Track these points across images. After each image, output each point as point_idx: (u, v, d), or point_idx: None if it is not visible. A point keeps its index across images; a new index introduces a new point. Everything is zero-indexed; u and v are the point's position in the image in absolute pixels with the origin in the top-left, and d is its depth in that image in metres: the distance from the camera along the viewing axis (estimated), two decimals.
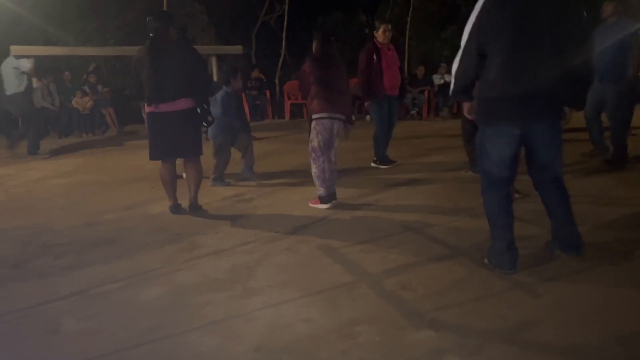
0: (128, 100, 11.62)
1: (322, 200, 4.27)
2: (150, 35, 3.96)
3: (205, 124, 4.14)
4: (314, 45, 4.33)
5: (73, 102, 10.13)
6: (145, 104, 4.02)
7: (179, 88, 3.93)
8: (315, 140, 4.23)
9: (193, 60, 4.02)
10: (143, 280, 2.93)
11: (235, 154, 5.48)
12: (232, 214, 4.22)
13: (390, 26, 5.96)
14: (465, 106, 3.00)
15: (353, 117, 4.72)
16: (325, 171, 4.25)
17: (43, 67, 10.34)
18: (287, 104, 11.93)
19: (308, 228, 3.76)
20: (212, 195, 4.71)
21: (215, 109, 5.05)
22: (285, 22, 13.75)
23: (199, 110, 4.02)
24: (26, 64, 7.51)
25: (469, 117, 3.03)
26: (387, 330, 2.27)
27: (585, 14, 2.64)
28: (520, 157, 2.81)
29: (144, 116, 4.32)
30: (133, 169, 6.33)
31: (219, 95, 5.20)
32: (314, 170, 4.27)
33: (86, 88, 10.53)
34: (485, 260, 2.90)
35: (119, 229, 3.95)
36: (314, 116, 4.24)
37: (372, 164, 5.98)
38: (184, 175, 4.85)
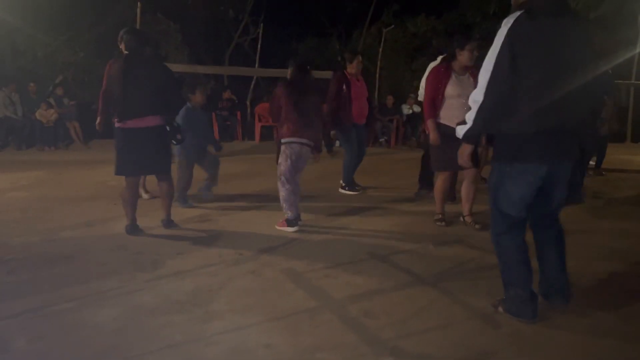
0: (95, 115, 11.41)
1: (290, 223, 4.26)
2: (125, 52, 3.95)
3: (174, 142, 4.18)
4: (289, 72, 4.40)
5: (37, 114, 9.88)
6: (115, 119, 4.00)
7: (150, 105, 3.94)
8: (283, 164, 4.26)
9: (166, 78, 4.06)
10: (99, 300, 2.84)
11: (200, 173, 5.43)
12: (196, 235, 4.16)
13: (361, 57, 6.15)
14: (467, 149, 2.69)
15: (323, 144, 4.85)
16: (293, 194, 4.28)
17: (7, 77, 10.11)
18: (258, 126, 11.94)
19: (273, 251, 3.74)
20: (177, 215, 4.64)
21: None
22: (259, 45, 13.86)
23: (168, 128, 4.06)
24: None
25: (465, 164, 2.75)
26: (349, 358, 2.25)
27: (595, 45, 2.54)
28: None
29: (99, 129, 4.39)
30: (95, 185, 6.18)
31: (181, 111, 5.14)
32: (282, 193, 4.28)
33: (52, 100, 10.31)
34: (500, 309, 2.68)
35: (78, 246, 3.83)
36: (283, 140, 4.27)
37: (340, 190, 6.05)
38: (144, 195, 4.80)
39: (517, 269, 2.59)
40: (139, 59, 3.97)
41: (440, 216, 4.54)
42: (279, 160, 4.31)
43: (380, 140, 11.84)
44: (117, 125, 4.00)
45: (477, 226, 4.34)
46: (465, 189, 4.43)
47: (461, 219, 4.50)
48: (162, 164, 4.13)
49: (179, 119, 5.01)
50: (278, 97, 4.31)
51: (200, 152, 5.30)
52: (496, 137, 2.59)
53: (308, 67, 4.52)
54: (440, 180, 4.50)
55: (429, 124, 4.40)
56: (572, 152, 2.58)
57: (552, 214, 2.70)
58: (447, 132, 4.21)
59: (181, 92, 4.45)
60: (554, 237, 2.71)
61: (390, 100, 12.54)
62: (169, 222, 4.32)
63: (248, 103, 13.33)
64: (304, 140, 4.27)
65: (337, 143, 10.46)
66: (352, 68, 6.01)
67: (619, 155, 9.57)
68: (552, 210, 2.68)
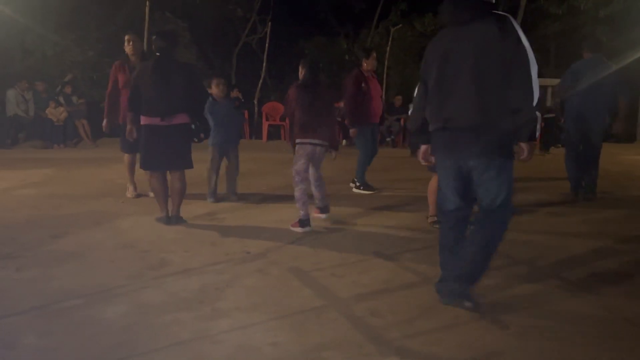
0: (103, 113, 11.48)
1: (301, 223, 4.27)
2: (157, 54, 4.18)
3: (196, 140, 4.35)
4: (301, 72, 4.43)
5: (47, 112, 9.97)
6: (142, 116, 4.20)
7: (178, 104, 4.14)
8: (298, 164, 4.34)
9: (193, 79, 4.29)
10: (107, 297, 2.86)
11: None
12: (203, 233, 4.17)
13: (375, 53, 6.10)
14: (422, 149, 2.94)
15: (343, 142, 4.99)
16: (317, 186, 4.51)
17: (16, 76, 10.19)
18: (265, 125, 11.96)
19: (280, 250, 3.74)
20: (185, 213, 4.65)
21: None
22: (266, 45, 13.86)
23: (193, 126, 4.25)
24: None
25: (422, 162, 3.00)
26: (354, 357, 2.25)
27: (513, 42, 2.45)
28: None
29: (105, 130, 4.98)
30: (103, 183, 6.22)
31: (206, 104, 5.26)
32: (296, 193, 4.34)
33: (60, 99, 10.38)
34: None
35: (86, 243, 3.85)
36: (297, 140, 4.36)
37: (354, 190, 6.03)
38: (151, 194, 4.92)
39: (443, 254, 2.84)
40: (169, 60, 4.17)
41: (435, 217, 4.31)
42: (294, 159, 4.39)
43: (387, 139, 11.82)
44: (142, 122, 4.20)
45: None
46: None
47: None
48: (185, 160, 4.30)
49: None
50: (291, 99, 4.38)
51: (223, 145, 5.37)
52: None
53: (320, 66, 4.56)
54: (435, 181, 4.24)
55: None
56: (479, 150, 2.53)
57: (483, 212, 2.65)
58: None
59: (205, 91, 4.74)
60: (474, 238, 2.67)
61: (398, 100, 12.52)
62: (177, 219, 4.40)
63: (255, 102, 13.35)
64: (316, 141, 4.33)
65: (343, 142, 10.50)
66: (368, 65, 5.94)
67: (629, 156, 9.49)
68: (482, 209, 2.66)
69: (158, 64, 4.15)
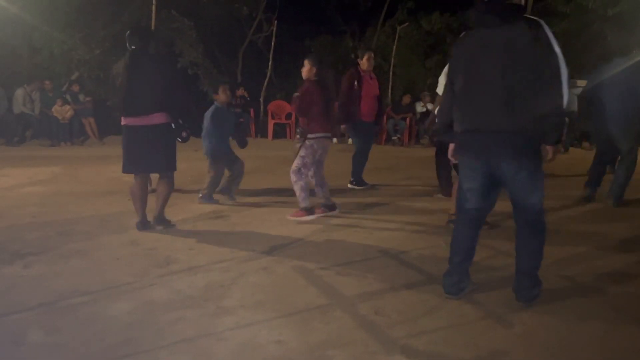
0: (110, 111, 11.54)
1: (309, 211, 4.46)
2: (129, 49, 3.97)
3: (179, 139, 4.11)
4: (312, 70, 4.48)
5: (53, 110, 10.03)
6: (121, 117, 4.02)
7: (154, 102, 3.91)
8: (309, 158, 4.45)
9: (171, 76, 4.09)
10: (113, 295, 2.87)
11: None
12: (209, 231, 4.18)
13: (373, 54, 6.17)
14: (450, 147, 2.99)
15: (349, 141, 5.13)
16: (321, 185, 4.61)
17: (23, 74, 10.25)
18: (271, 124, 11.97)
19: (285, 248, 3.75)
20: (190, 212, 4.67)
21: (208, 124, 5.20)
22: (272, 43, 13.86)
23: (173, 125, 4.00)
24: None
25: (452, 159, 3.04)
26: (359, 355, 2.26)
27: (545, 49, 2.49)
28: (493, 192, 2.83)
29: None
30: (110, 181, 6.24)
31: (210, 110, 5.30)
32: (301, 184, 4.44)
33: (67, 97, 10.44)
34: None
35: (92, 240, 3.87)
36: (312, 135, 4.44)
37: (349, 185, 6.12)
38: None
39: (453, 247, 2.93)
40: (142, 56, 3.96)
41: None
42: (302, 154, 4.44)
43: (393, 138, 11.81)
44: (122, 123, 4.01)
45: (485, 226, 4.30)
46: None
47: None
48: (166, 162, 4.05)
49: (207, 117, 5.22)
50: (310, 94, 4.43)
51: (228, 152, 5.36)
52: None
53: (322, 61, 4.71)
54: None
55: None
56: (509, 152, 2.61)
57: (517, 213, 2.76)
58: None
59: (189, 89, 4.57)
60: (522, 237, 2.78)
61: (407, 98, 12.47)
62: (160, 220, 4.19)
63: (261, 100, 13.35)
64: (329, 134, 4.57)
65: (350, 141, 10.52)
66: (362, 64, 6.05)
67: None
68: (515, 208, 2.75)
69: (131, 60, 3.91)
